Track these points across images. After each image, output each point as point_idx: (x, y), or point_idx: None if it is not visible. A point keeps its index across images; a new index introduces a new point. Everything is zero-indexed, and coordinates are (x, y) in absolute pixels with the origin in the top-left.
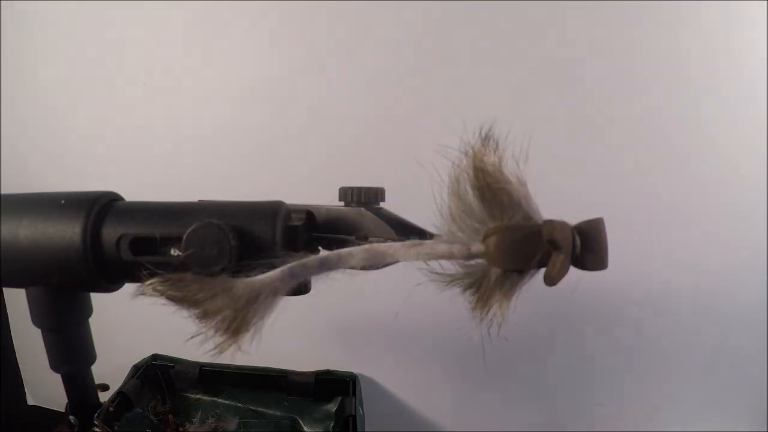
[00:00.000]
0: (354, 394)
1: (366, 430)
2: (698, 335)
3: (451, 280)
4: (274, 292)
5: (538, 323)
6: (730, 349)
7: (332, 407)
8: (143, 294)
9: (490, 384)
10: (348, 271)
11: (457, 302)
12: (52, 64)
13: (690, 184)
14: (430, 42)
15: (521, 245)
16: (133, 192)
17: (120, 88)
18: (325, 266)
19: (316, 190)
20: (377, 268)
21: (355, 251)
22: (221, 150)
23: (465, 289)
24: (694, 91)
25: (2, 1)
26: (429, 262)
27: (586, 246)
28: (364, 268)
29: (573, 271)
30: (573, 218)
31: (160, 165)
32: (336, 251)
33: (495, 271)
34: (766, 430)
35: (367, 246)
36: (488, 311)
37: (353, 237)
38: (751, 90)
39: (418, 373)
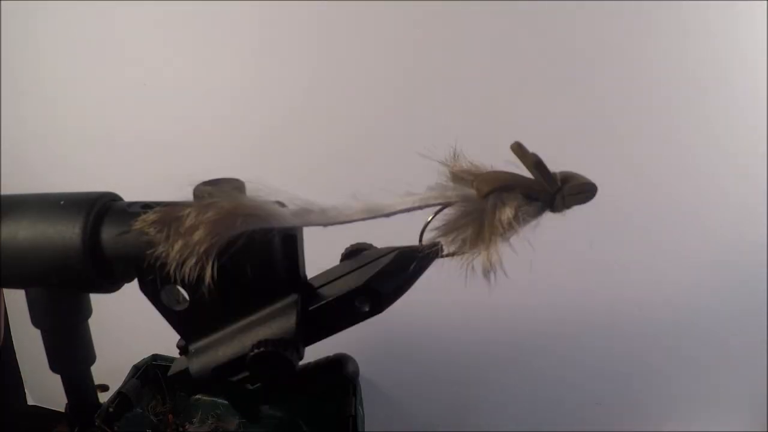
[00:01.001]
0: (354, 394)
1: (366, 430)
2: (698, 335)
3: (448, 224)
4: (266, 217)
5: (538, 323)
6: (730, 349)
7: (332, 407)
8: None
9: (490, 384)
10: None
11: (456, 303)
12: (52, 63)
13: (689, 183)
14: (432, 40)
15: (510, 175)
16: (133, 192)
17: (120, 87)
18: (325, 216)
19: (316, 191)
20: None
21: (354, 205)
22: (222, 150)
23: (463, 240)
24: (694, 90)
25: (2, 1)
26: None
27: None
28: (363, 219)
29: (575, 273)
30: (574, 215)
31: (160, 165)
32: (333, 205)
33: (491, 201)
34: (766, 430)
35: (364, 201)
36: (489, 249)
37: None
38: (752, 90)
39: (418, 373)
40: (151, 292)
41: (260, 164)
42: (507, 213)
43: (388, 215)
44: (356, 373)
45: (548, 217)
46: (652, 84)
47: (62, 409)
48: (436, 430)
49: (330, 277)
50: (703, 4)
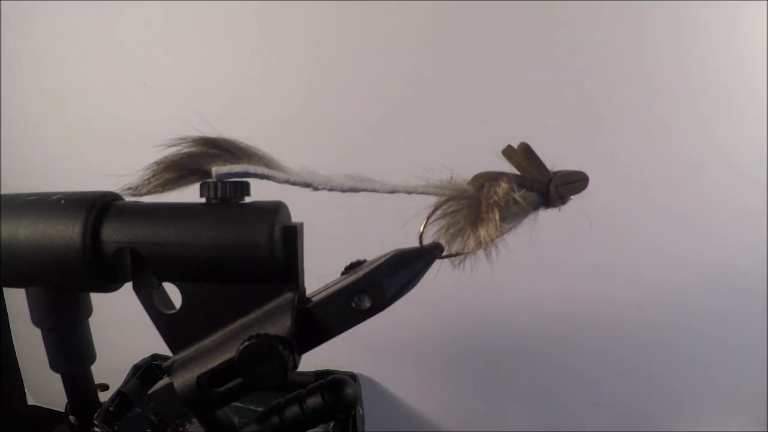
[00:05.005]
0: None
1: (366, 430)
2: (698, 335)
3: (447, 219)
4: (251, 158)
5: (538, 323)
6: (730, 348)
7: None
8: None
9: (490, 384)
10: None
11: (457, 303)
12: (52, 64)
13: (690, 183)
14: (435, 43)
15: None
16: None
17: (120, 88)
18: (314, 179)
19: (318, 192)
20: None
21: (351, 176)
22: None
23: (462, 230)
24: (694, 90)
25: (3, 1)
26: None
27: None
28: (357, 190)
29: (575, 273)
30: (574, 215)
31: None
32: (327, 175)
33: (485, 187)
34: (766, 430)
35: (361, 175)
36: (488, 224)
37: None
38: (752, 89)
39: (418, 373)
40: (144, 293)
41: None
42: (502, 186)
43: (385, 192)
44: (355, 397)
45: (548, 218)
46: (651, 85)
47: (62, 409)
48: (436, 430)
49: (328, 286)
50: (704, 5)
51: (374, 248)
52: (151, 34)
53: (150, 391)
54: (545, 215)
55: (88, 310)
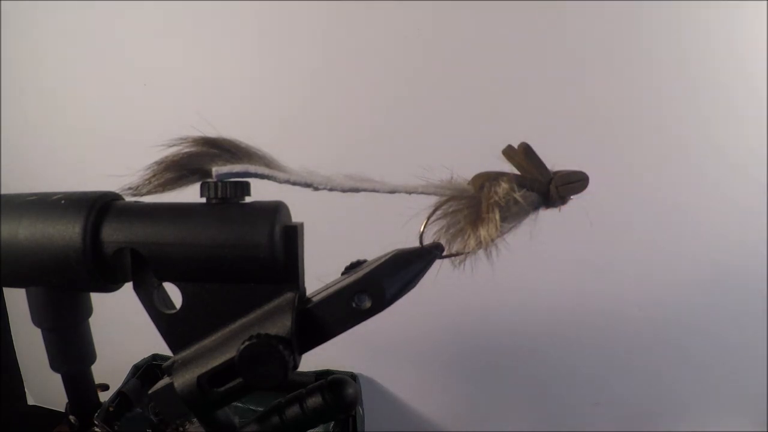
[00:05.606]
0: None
1: (366, 430)
2: (698, 335)
3: (447, 219)
4: (251, 158)
5: (538, 324)
6: (730, 348)
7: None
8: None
9: (490, 384)
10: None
11: (456, 304)
12: (52, 64)
13: (690, 183)
14: (435, 43)
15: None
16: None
17: (120, 88)
18: (314, 179)
19: (317, 193)
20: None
21: (351, 176)
22: None
23: (462, 230)
24: (695, 90)
25: (3, 1)
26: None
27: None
28: (357, 190)
29: (575, 273)
30: (573, 215)
31: None
32: (327, 175)
33: (486, 187)
34: (766, 430)
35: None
36: (488, 224)
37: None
38: (752, 89)
39: (418, 373)
40: (144, 293)
41: None
42: (503, 186)
43: (385, 192)
44: (355, 397)
45: (548, 219)
46: (651, 85)
47: (62, 409)
48: (436, 430)
49: (328, 286)
50: (704, 5)
51: (374, 248)
52: (151, 34)
53: (150, 391)
54: (545, 215)
55: (88, 310)
